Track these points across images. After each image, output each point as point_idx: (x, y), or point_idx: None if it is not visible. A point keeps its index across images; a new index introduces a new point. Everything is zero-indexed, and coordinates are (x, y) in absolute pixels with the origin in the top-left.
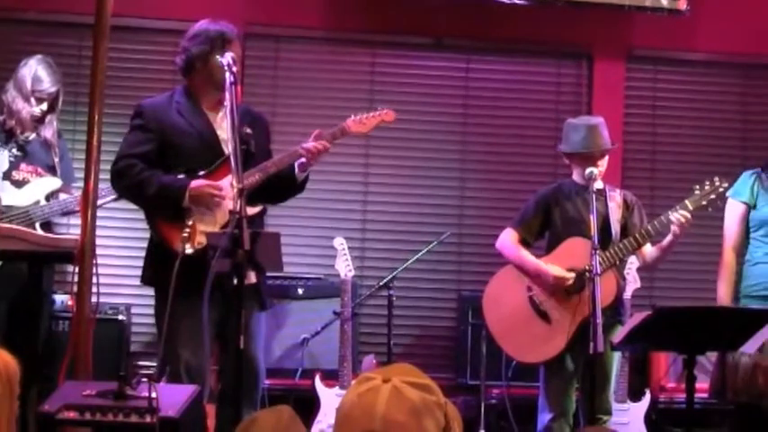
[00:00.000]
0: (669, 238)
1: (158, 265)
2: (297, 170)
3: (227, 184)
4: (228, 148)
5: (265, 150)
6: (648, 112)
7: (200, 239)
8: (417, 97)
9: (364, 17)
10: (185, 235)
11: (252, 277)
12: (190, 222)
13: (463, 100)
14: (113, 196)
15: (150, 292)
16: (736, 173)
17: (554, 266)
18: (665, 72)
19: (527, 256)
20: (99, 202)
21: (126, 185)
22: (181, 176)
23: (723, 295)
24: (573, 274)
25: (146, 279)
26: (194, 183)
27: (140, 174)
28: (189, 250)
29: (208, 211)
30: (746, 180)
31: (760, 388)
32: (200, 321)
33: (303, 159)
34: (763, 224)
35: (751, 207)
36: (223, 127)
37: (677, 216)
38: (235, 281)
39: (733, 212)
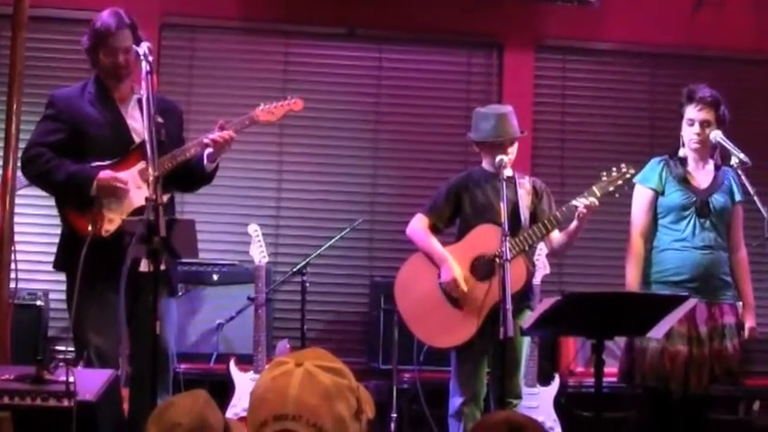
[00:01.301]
0: (575, 223)
1: (68, 252)
2: (206, 160)
3: (134, 173)
4: (138, 137)
5: (179, 139)
6: (558, 101)
7: (108, 227)
8: (330, 86)
9: (278, 7)
10: (93, 221)
11: (162, 263)
12: (97, 210)
13: (375, 89)
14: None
15: (64, 277)
16: (644, 160)
17: (457, 267)
18: (573, 61)
19: (435, 245)
20: (18, 188)
21: (35, 173)
22: (90, 165)
23: (631, 281)
24: (465, 288)
25: (57, 265)
26: (101, 174)
27: (49, 162)
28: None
29: (115, 200)
30: (654, 167)
31: (667, 372)
32: (110, 306)
33: (210, 150)
34: (670, 211)
35: (659, 194)
36: (134, 116)
37: (584, 202)
38: (147, 267)
39: (641, 199)
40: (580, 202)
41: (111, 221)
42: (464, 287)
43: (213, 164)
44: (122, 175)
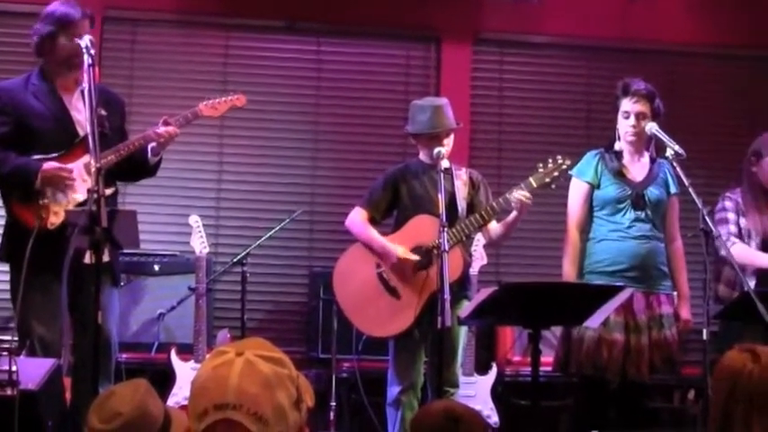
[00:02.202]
0: (513, 214)
1: (13, 242)
2: (150, 154)
3: (80, 166)
4: (83, 130)
5: (121, 131)
6: (495, 94)
7: (53, 219)
8: (270, 79)
9: (218, 0)
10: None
11: (105, 254)
12: (42, 202)
13: (315, 81)
14: None
15: (8, 268)
16: (580, 152)
17: (399, 246)
18: (511, 54)
19: (374, 235)
20: None
21: None
22: (35, 158)
23: (568, 271)
24: (416, 257)
25: (1, 256)
26: (46, 165)
27: None
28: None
29: (60, 193)
30: (590, 160)
31: (604, 361)
32: (54, 297)
33: (154, 144)
34: (606, 204)
35: (595, 186)
36: (78, 108)
37: (521, 194)
38: (90, 258)
39: (577, 191)
40: (516, 195)
41: (57, 214)
42: (414, 256)
43: (157, 157)
44: (67, 166)
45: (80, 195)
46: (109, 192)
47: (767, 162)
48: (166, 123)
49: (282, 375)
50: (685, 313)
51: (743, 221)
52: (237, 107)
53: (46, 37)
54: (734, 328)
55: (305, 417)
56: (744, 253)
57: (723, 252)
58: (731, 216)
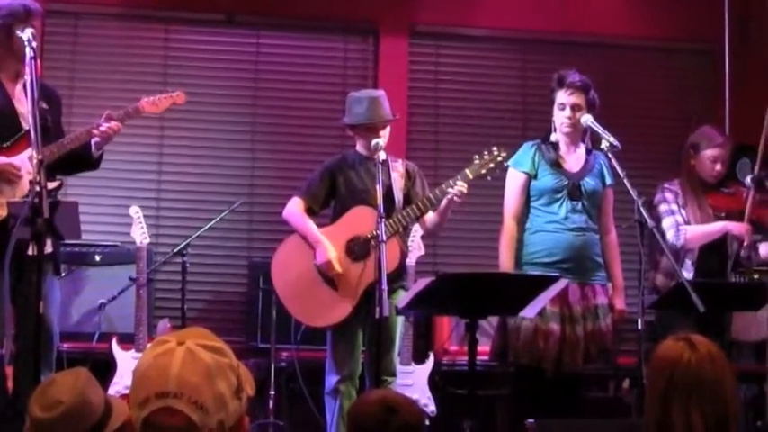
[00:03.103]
0: (444, 203)
1: None
2: (93, 147)
3: (24, 159)
4: (26, 123)
5: (59, 126)
6: (432, 86)
7: (0, 212)
8: (210, 72)
9: None
10: None
11: (48, 245)
12: None
13: (254, 74)
14: None
15: None
16: (516, 144)
17: (332, 249)
18: (447, 47)
19: (310, 227)
20: None
21: None
22: None
23: (505, 262)
24: (340, 269)
25: None
26: None
27: None
28: None
29: (7, 186)
30: (527, 151)
31: (540, 351)
32: None
33: (97, 139)
34: (543, 194)
35: (532, 177)
36: (21, 101)
37: (456, 186)
38: (33, 248)
39: (514, 182)
40: (451, 186)
41: (2, 206)
42: (338, 268)
43: (99, 151)
44: (14, 160)
45: (25, 188)
46: (53, 185)
47: (706, 155)
48: (109, 118)
49: (223, 364)
50: (620, 303)
51: (683, 212)
52: (178, 105)
53: (0, 28)
54: (669, 317)
55: (245, 405)
56: (698, 231)
57: (674, 242)
58: (674, 206)
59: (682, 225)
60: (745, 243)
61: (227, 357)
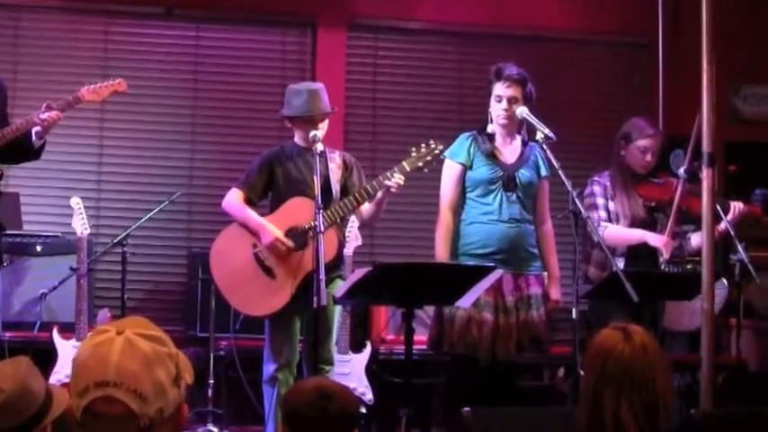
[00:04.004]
0: (380, 194)
1: None
2: (34, 137)
3: None
4: None
5: (2, 115)
6: (370, 78)
7: None
8: (150, 64)
9: None
10: None
11: None
12: None
13: (194, 67)
14: None
15: None
16: (453, 136)
17: (276, 229)
18: (385, 40)
19: (251, 215)
20: None
21: None
22: None
23: (441, 252)
24: (291, 244)
25: None
26: None
27: None
28: None
29: None
30: (463, 142)
31: (474, 340)
32: None
33: (38, 128)
34: (478, 185)
35: (467, 168)
36: None
37: (393, 179)
38: None
39: (450, 173)
40: (388, 178)
41: None
42: (290, 243)
43: (41, 141)
44: None
45: None
46: None
47: (636, 146)
48: (49, 108)
49: (162, 353)
50: (555, 293)
51: (611, 205)
52: (119, 92)
53: None
54: (602, 307)
55: (184, 393)
56: (617, 233)
57: (596, 238)
58: (600, 201)
59: (603, 221)
60: (664, 256)
61: (165, 346)
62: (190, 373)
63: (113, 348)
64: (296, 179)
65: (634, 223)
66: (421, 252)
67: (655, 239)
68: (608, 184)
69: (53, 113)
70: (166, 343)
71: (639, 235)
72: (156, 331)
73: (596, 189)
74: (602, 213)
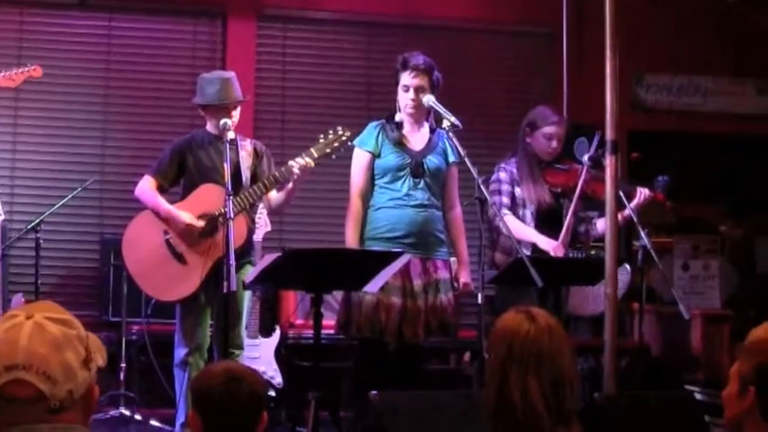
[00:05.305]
0: (290, 184)
1: None
2: None
3: None
4: None
5: None
6: (279, 68)
7: None
8: (63, 54)
9: None
10: None
11: None
12: None
13: (106, 56)
14: None
15: None
16: (361, 124)
17: (186, 213)
18: (294, 30)
19: (161, 202)
20: None
21: None
22: None
23: (350, 238)
24: (202, 223)
25: None
26: None
27: None
28: None
29: None
30: (372, 130)
31: (382, 324)
32: None
33: None
34: (387, 172)
35: (376, 156)
36: None
37: (299, 163)
38: None
39: (359, 161)
40: (296, 164)
41: None
42: (201, 223)
43: None
44: None
45: None
46: None
47: (541, 133)
48: None
49: (71, 336)
50: (465, 277)
51: (518, 191)
52: (34, 78)
53: None
54: (508, 292)
55: (94, 375)
56: (513, 224)
57: (497, 222)
58: (504, 187)
59: (505, 207)
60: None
61: (74, 329)
62: (102, 354)
63: (23, 332)
64: (207, 166)
65: (540, 208)
66: (330, 238)
67: (545, 244)
68: (514, 170)
69: None
70: (75, 326)
71: (532, 236)
72: (65, 314)
73: (502, 176)
74: (505, 200)
